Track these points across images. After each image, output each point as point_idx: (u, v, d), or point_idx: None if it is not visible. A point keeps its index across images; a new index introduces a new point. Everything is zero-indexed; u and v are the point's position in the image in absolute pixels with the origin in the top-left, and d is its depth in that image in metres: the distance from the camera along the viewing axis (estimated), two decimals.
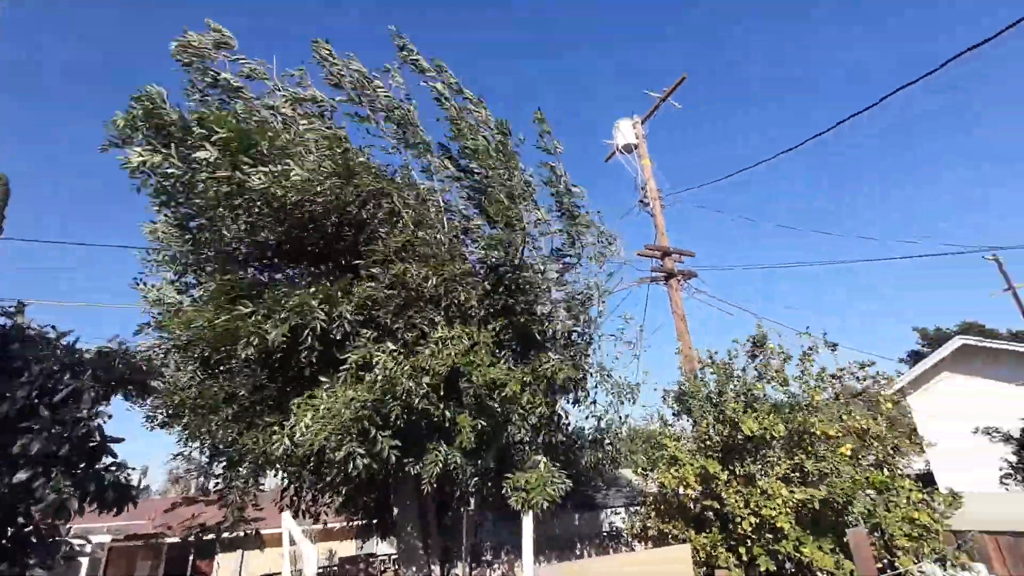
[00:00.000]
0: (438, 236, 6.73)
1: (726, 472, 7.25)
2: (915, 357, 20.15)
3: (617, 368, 8.57)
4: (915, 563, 6.24)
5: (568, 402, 8.63)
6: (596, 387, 8.51)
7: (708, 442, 7.70)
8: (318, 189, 6.16)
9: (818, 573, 6.83)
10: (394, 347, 5.97)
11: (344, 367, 5.99)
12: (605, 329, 8.42)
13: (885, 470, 7.02)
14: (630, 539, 8.52)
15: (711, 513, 7.49)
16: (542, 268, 7.28)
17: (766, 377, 8.12)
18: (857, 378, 7.64)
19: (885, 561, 6.57)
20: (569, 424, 8.39)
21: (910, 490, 6.54)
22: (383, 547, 10.17)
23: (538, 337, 7.21)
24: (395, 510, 7.37)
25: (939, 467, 11.46)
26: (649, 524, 7.84)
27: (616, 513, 9.81)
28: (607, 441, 8.50)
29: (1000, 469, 7.73)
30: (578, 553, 9.76)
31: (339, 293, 6.31)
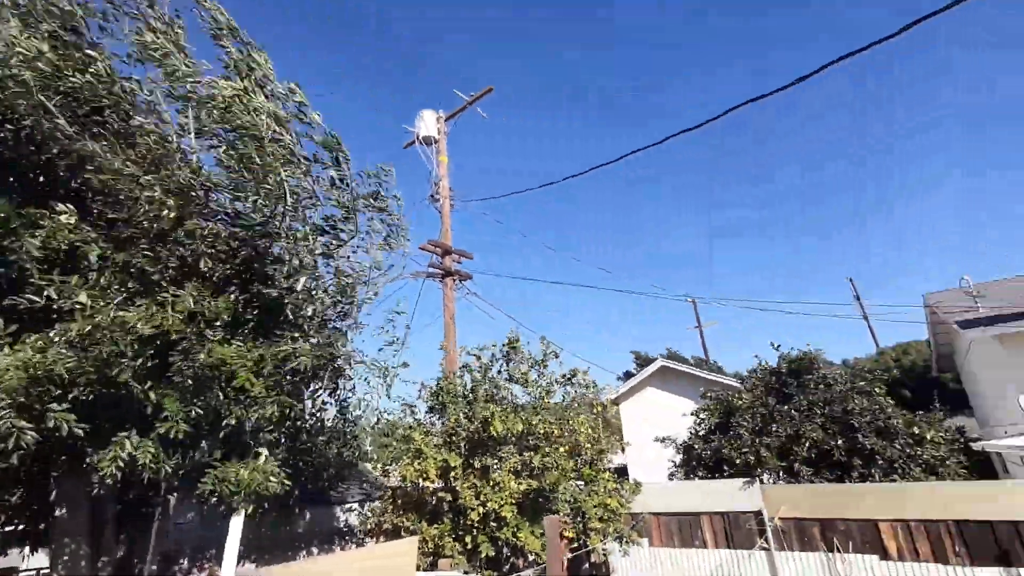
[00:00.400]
0: (180, 174, 5.54)
1: (465, 466, 7.60)
2: (629, 375, 24.52)
3: (380, 360, 8.27)
4: (602, 541, 7.43)
5: (319, 390, 8.02)
6: (352, 376, 8.08)
7: (455, 437, 7.97)
8: (14, 71, 4.51)
9: (529, 555, 7.64)
10: (95, 301, 4.64)
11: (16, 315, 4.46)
12: (373, 318, 8.08)
13: (593, 465, 8.24)
14: (363, 535, 8.27)
15: (446, 505, 7.76)
16: (307, 239, 6.60)
17: (515, 379, 8.83)
18: (573, 383, 8.81)
19: (582, 540, 7.70)
20: (315, 414, 7.77)
21: (607, 481, 7.81)
22: (36, 559, 7.84)
23: (291, 315, 6.49)
24: (59, 511, 5.71)
25: (634, 463, 14.21)
26: (384, 519, 7.73)
27: (353, 510, 9.43)
28: (355, 434, 8.12)
29: (668, 467, 9.84)
30: (306, 553, 9.08)
31: (19, 224, 4.71)
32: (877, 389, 8.60)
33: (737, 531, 7.39)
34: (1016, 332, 11.26)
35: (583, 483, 8.06)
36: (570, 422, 8.53)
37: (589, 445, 8.54)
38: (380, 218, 8.08)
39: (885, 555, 6.50)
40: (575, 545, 7.50)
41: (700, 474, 8.82)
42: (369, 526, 8.01)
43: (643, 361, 28.17)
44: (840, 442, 7.78)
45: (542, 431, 8.12)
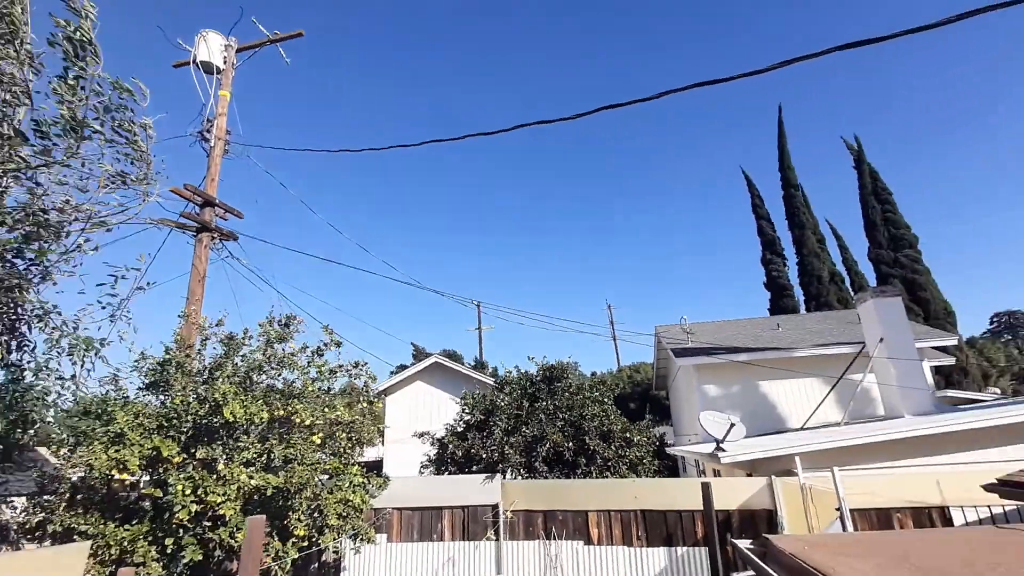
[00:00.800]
0: None
1: (184, 455, 6.43)
2: (404, 368, 24.61)
3: (81, 319, 6.51)
4: (335, 539, 7.02)
5: None
6: (35, 337, 6.24)
7: (178, 421, 6.70)
8: None
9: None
10: None
11: None
12: (94, 269, 6.34)
13: (344, 458, 7.77)
14: (19, 538, 6.35)
15: (148, 502, 6.44)
16: None
17: (274, 361, 7.88)
18: (350, 375, 8.33)
19: (316, 539, 7.17)
20: None
21: (355, 475, 7.44)
22: None
23: None
24: None
25: (392, 457, 14.08)
26: (54, 518, 6.04)
27: (12, 506, 7.18)
28: (24, 408, 6.23)
29: (424, 460, 9.92)
30: None
31: None
32: (607, 399, 10.03)
33: (475, 524, 7.75)
34: (708, 363, 14.45)
35: (328, 477, 7.55)
36: (329, 412, 7.94)
37: (345, 436, 8.07)
38: (120, 141, 6.49)
39: (589, 540, 7.51)
40: (305, 544, 6.95)
41: (451, 469, 9.08)
42: (31, 527, 6.18)
43: (420, 355, 28.54)
44: (571, 444, 8.81)
45: (298, 421, 7.40)
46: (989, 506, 6.56)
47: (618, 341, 37.31)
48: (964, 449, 7.92)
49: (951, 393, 16.75)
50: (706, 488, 6.31)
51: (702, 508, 6.82)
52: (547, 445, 8.84)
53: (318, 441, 7.44)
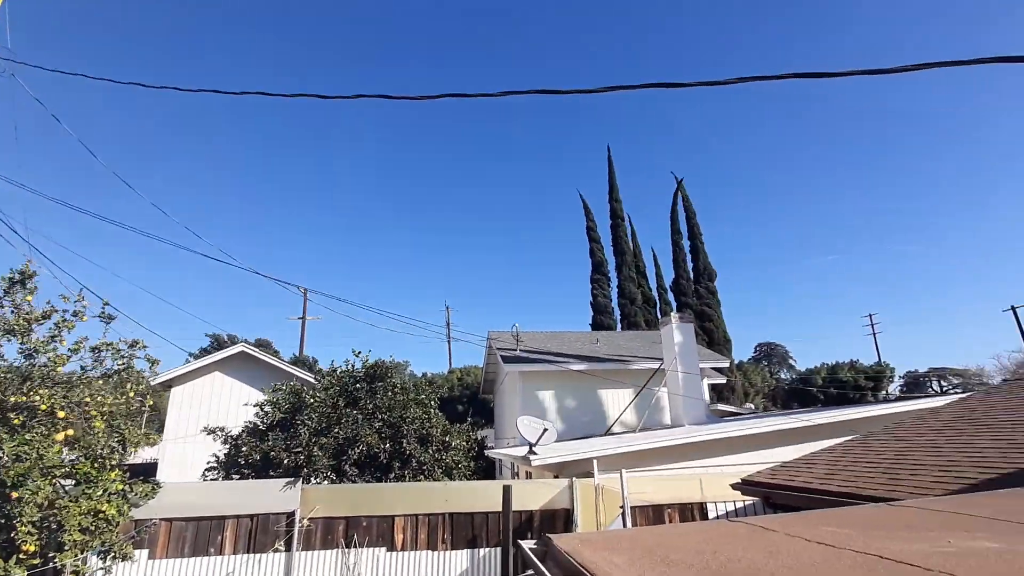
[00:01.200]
0: None
1: None
2: (204, 354, 21.74)
3: None
4: (77, 557, 5.70)
5: None
6: None
7: None
8: None
9: None
10: None
11: None
12: None
13: (101, 461, 6.37)
14: None
15: None
16: None
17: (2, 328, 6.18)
18: (123, 356, 6.92)
19: (51, 556, 5.74)
20: None
21: (113, 481, 6.15)
22: None
23: None
24: None
25: (173, 458, 12.05)
26: None
27: None
28: None
29: (211, 463, 8.66)
30: None
31: None
32: (432, 401, 9.88)
33: (264, 535, 6.94)
34: (533, 371, 15.22)
35: (76, 483, 6.13)
36: (84, 402, 6.46)
37: (105, 432, 6.64)
38: None
39: (393, 546, 7.23)
40: (37, 562, 5.54)
41: (245, 472, 8.06)
42: None
43: (224, 343, 25.32)
44: (387, 446, 8.46)
45: (43, 408, 5.90)
46: (735, 501, 7.86)
47: (452, 343, 37.67)
48: (727, 453, 9.43)
49: (721, 407, 20.08)
50: (506, 490, 6.50)
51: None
52: (361, 447, 8.35)
53: (62, 438, 5.98)
